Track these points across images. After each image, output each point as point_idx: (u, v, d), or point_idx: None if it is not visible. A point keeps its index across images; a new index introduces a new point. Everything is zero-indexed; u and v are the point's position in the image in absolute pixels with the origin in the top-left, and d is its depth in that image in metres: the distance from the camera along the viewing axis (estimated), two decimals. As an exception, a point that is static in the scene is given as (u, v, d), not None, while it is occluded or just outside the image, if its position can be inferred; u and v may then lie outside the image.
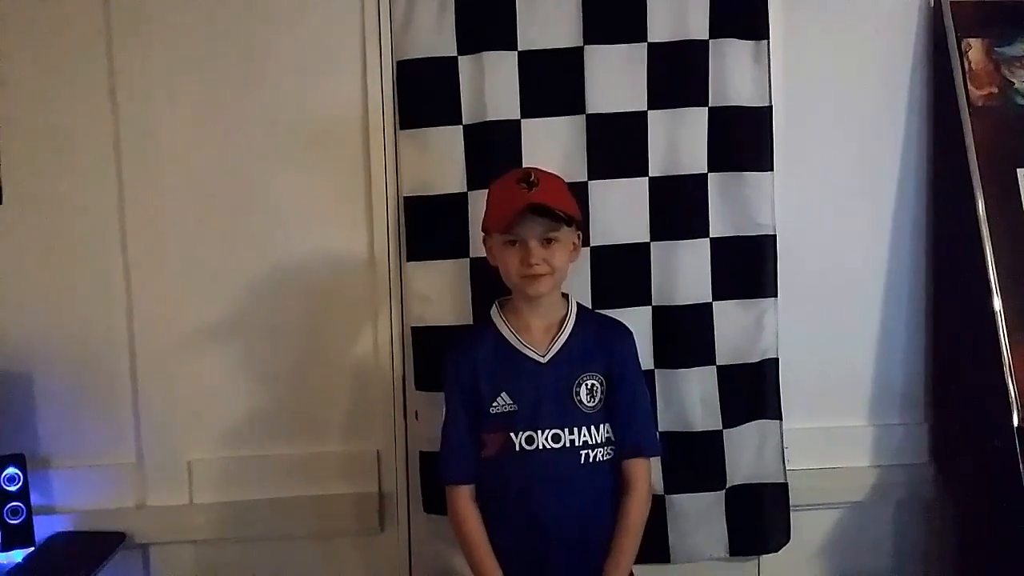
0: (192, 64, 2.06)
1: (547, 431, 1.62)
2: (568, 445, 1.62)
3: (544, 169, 1.67)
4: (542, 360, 1.65)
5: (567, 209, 1.61)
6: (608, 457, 1.65)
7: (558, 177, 1.70)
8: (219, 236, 2.09)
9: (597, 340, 1.69)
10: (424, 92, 2.04)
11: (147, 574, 2.11)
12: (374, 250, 2.10)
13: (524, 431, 1.62)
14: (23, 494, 1.93)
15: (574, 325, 1.69)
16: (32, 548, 1.94)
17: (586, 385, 1.65)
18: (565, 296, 1.73)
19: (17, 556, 1.92)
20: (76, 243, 2.06)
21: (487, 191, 1.73)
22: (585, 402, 1.64)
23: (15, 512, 1.92)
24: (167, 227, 2.07)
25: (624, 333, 1.74)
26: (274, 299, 2.10)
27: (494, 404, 1.64)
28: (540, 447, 1.62)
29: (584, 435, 1.63)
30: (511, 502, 1.64)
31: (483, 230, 1.71)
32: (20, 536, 1.93)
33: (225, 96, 2.07)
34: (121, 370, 2.07)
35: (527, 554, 1.63)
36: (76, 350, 2.06)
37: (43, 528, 1.99)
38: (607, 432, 1.66)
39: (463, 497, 1.67)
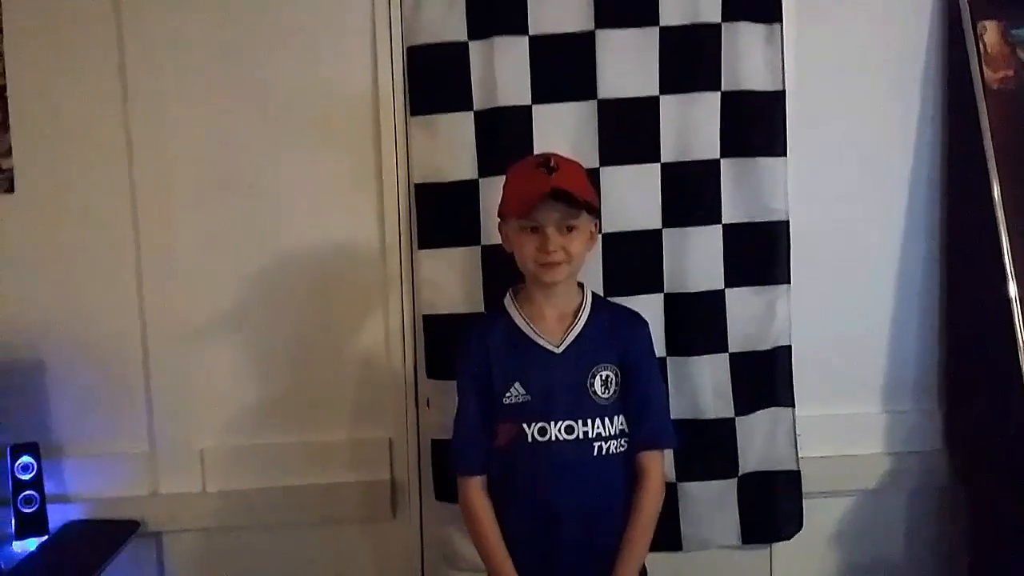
0: (202, 52, 2.05)
1: (560, 422, 1.60)
2: (581, 437, 1.60)
3: (562, 154, 1.64)
4: (556, 350, 1.63)
5: (586, 195, 1.59)
6: (622, 449, 1.63)
7: (576, 162, 1.67)
8: (230, 224, 2.09)
9: (612, 330, 1.66)
10: (434, 78, 2.03)
11: (160, 561, 2.12)
12: (385, 238, 2.09)
13: (537, 422, 1.60)
14: (37, 483, 1.94)
15: (589, 315, 1.66)
16: (46, 536, 1.95)
17: (600, 376, 1.62)
18: (580, 285, 1.70)
19: (31, 544, 1.93)
20: (88, 232, 2.06)
21: (504, 176, 1.70)
22: (599, 393, 1.62)
23: (29, 501, 1.93)
24: (178, 216, 2.07)
25: (639, 324, 1.71)
26: (285, 287, 2.10)
27: (507, 394, 1.62)
28: (553, 438, 1.60)
29: (598, 427, 1.61)
30: (523, 493, 1.62)
31: (499, 215, 1.68)
32: (34, 524, 1.94)
33: (235, 84, 2.07)
34: (133, 358, 2.08)
35: (538, 545, 1.61)
36: (88, 339, 2.06)
37: (57, 516, 2.00)
38: (621, 424, 1.63)
39: (475, 488, 1.65)
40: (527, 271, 1.63)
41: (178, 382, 2.09)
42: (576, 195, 1.55)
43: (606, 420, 1.61)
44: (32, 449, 1.94)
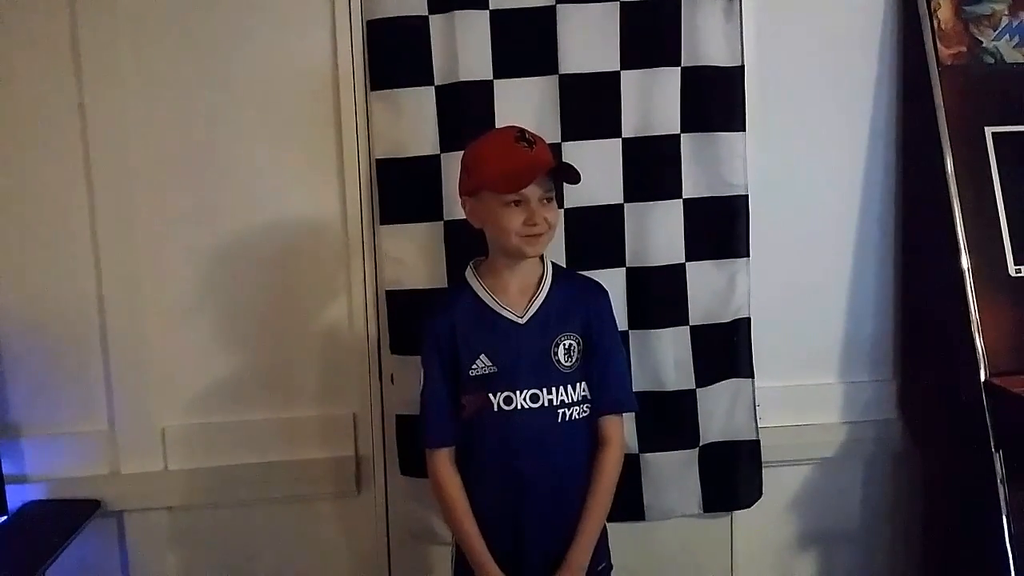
0: (158, 29, 2.02)
1: (525, 391, 1.62)
2: (546, 404, 1.62)
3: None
4: (520, 321, 1.64)
5: None
6: (584, 415, 1.66)
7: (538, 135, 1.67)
8: (189, 201, 2.06)
9: (573, 300, 1.68)
10: (395, 52, 2.01)
11: (122, 541, 2.11)
12: (347, 213, 2.08)
13: (503, 392, 1.62)
14: (-6, 463, 1.91)
15: (551, 285, 1.67)
16: (5, 517, 1.93)
17: (563, 345, 1.64)
18: (540, 257, 1.70)
19: (-10, 525, 1.91)
20: (44, 211, 2.02)
21: (475, 151, 1.65)
22: (563, 362, 1.64)
23: (-14, 481, 1.91)
24: (135, 192, 2.04)
25: (600, 292, 1.74)
26: (246, 263, 2.08)
27: (473, 366, 1.63)
28: (518, 407, 1.61)
29: (561, 394, 1.63)
30: (489, 462, 1.64)
31: (469, 192, 1.64)
32: (-8, 505, 1.91)
33: (192, 60, 2.03)
34: (92, 336, 2.05)
35: (506, 511, 1.63)
36: (46, 317, 2.03)
37: (16, 497, 1.98)
38: (584, 391, 1.66)
39: (443, 460, 1.66)
40: (508, 245, 1.61)
41: (138, 360, 2.06)
42: (572, 168, 1.60)
43: (569, 387, 1.64)
44: (-11, 429, 1.92)
